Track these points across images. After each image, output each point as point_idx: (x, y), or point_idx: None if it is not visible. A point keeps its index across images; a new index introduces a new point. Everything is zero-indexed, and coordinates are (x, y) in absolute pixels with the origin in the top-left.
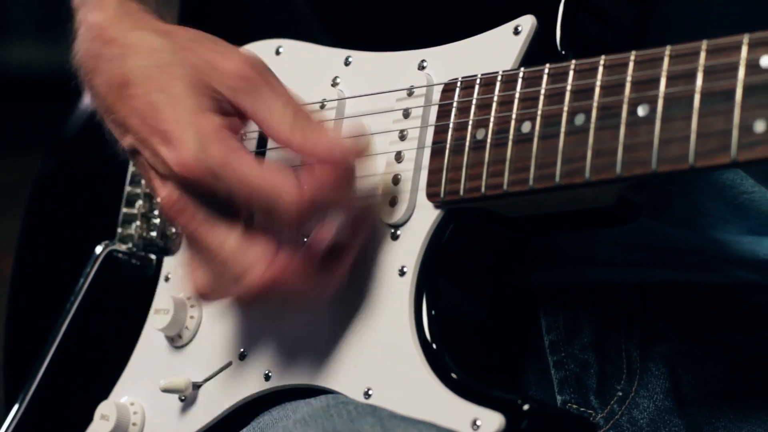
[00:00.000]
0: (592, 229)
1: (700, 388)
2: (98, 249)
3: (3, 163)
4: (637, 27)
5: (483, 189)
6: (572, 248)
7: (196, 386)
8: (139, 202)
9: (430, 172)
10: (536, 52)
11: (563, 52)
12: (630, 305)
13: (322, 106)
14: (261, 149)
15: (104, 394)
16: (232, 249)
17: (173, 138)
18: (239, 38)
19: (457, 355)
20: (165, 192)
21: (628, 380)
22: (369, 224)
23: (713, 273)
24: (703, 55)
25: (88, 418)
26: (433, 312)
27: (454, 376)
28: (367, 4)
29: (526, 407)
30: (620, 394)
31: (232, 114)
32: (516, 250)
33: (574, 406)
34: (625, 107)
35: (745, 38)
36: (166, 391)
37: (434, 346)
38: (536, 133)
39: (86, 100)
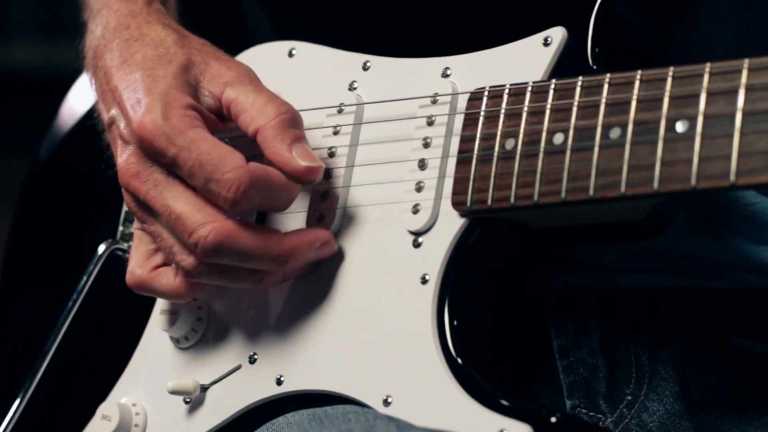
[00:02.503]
0: (617, 242)
1: (707, 392)
2: (101, 248)
3: (3, 163)
4: (663, 41)
5: (512, 199)
6: (582, 254)
7: (204, 389)
8: None
9: (456, 181)
10: (566, 65)
11: (594, 67)
12: (638, 310)
13: (340, 111)
14: None
15: (105, 393)
16: (182, 209)
17: (143, 104)
18: (248, 39)
19: (480, 365)
20: (123, 157)
21: (637, 384)
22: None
23: (721, 279)
24: (745, 73)
25: (89, 417)
26: (455, 323)
27: (479, 386)
28: (388, 9)
29: (553, 419)
30: (629, 398)
31: (213, 110)
32: (536, 259)
33: (584, 411)
34: (663, 123)
35: None
36: (173, 393)
37: (458, 357)
38: (569, 146)
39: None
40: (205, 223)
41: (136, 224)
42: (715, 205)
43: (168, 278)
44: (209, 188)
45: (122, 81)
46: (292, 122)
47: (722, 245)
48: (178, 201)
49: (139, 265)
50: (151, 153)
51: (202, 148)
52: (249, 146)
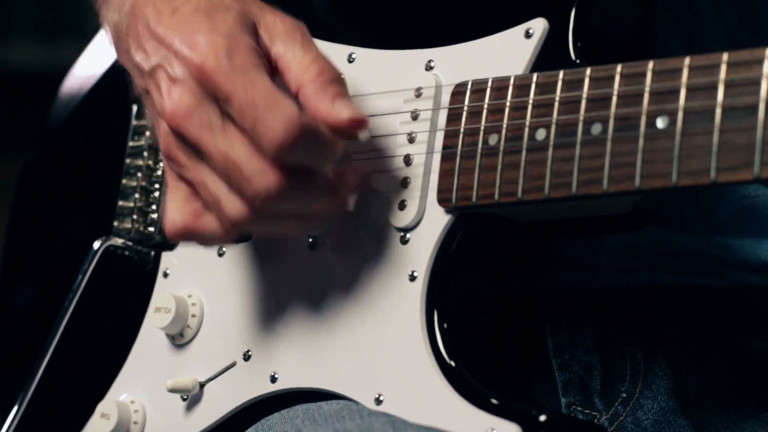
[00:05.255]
0: (602, 235)
1: (702, 389)
2: (96, 244)
3: (2, 163)
4: (643, 30)
5: (496, 196)
6: (576, 253)
7: (200, 386)
8: (136, 195)
9: (441, 177)
10: (548, 57)
11: (577, 61)
12: (633, 308)
13: None
14: None
15: (103, 391)
16: (239, 154)
17: (205, 43)
18: None
19: (470, 364)
20: (174, 97)
21: (632, 381)
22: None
23: (716, 277)
24: (723, 68)
25: (88, 416)
26: (444, 320)
27: (469, 386)
28: (372, 0)
29: (542, 418)
30: (624, 395)
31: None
32: (524, 254)
33: (579, 409)
34: (643, 118)
35: None
36: (173, 391)
37: (447, 355)
38: (551, 142)
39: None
40: (265, 169)
41: (168, 173)
42: (715, 198)
43: (215, 223)
44: (257, 131)
45: (172, 27)
46: (334, 81)
47: (717, 242)
48: (233, 146)
49: (180, 211)
50: (210, 89)
51: (258, 88)
52: None
